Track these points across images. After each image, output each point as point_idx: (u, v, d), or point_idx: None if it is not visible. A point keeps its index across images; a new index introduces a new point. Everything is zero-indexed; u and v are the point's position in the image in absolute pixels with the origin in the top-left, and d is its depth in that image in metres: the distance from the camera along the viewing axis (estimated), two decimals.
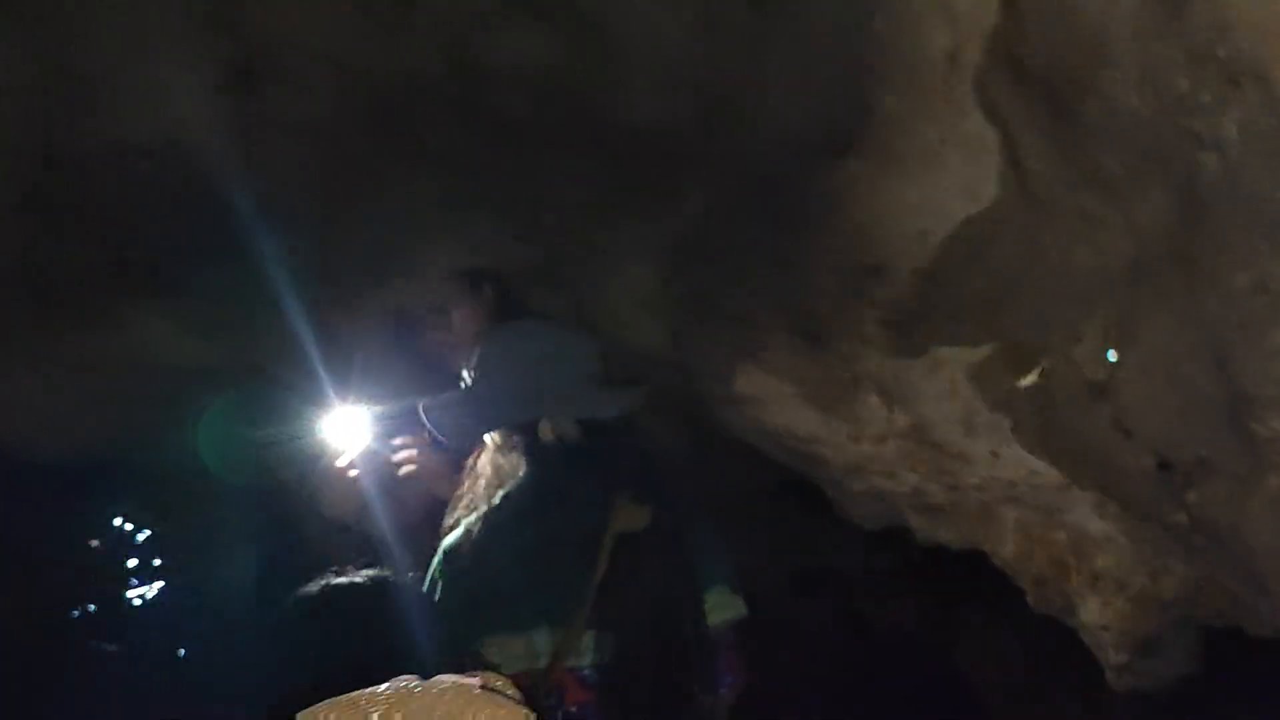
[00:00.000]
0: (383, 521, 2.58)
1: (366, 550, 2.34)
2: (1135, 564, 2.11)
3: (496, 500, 2.07)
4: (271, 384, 3.17)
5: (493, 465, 2.16)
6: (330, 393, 2.68)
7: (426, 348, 2.93)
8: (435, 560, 2.06)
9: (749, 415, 2.72)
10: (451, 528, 2.17)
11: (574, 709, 1.94)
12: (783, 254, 2.63)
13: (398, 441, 2.67)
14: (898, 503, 2.67)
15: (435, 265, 2.90)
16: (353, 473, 2.64)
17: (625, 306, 3.06)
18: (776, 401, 2.61)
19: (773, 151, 2.76)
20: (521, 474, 2.10)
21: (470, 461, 2.30)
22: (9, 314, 3.28)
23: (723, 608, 2.06)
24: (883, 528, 2.95)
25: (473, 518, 2.07)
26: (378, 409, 2.67)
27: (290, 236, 3.16)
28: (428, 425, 2.23)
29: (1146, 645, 2.27)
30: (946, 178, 2.28)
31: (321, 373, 2.71)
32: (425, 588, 2.04)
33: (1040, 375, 2.07)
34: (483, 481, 2.18)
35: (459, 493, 2.39)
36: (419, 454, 2.63)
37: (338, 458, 2.65)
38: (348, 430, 2.63)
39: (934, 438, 2.41)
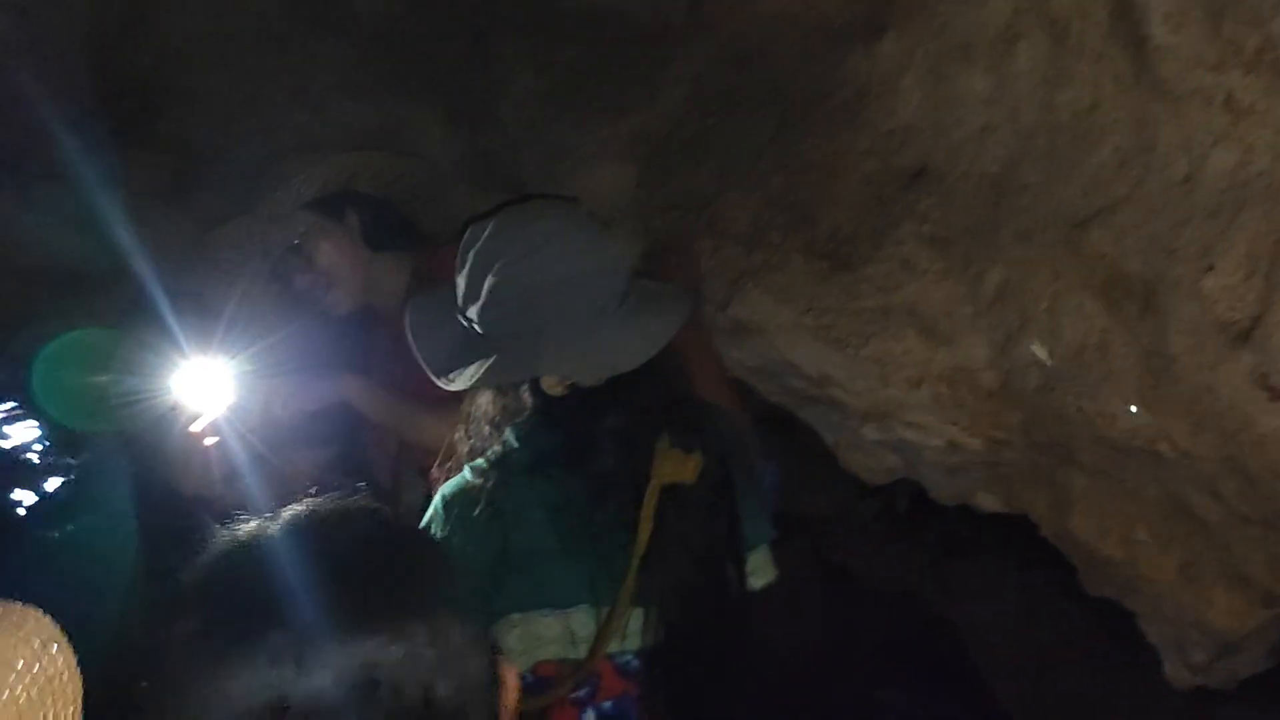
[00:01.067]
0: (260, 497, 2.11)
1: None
2: (1259, 557, 1.71)
3: (512, 441, 1.61)
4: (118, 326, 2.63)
5: (496, 403, 1.66)
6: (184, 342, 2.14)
7: (299, 296, 2.41)
8: (432, 510, 1.62)
9: (747, 347, 2.25)
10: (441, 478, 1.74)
11: (608, 704, 1.60)
12: (797, 156, 2.16)
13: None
14: (921, 457, 2.23)
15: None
16: (210, 440, 2.15)
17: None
18: (785, 333, 2.15)
19: (774, 32, 2.28)
20: (533, 412, 1.62)
21: (467, 404, 1.77)
22: None
23: (762, 571, 1.72)
24: (889, 482, 2.52)
25: (480, 462, 1.62)
26: (245, 362, 2.16)
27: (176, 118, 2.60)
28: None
29: (1234, 644, 1.89)
30: (1021, 60, 1.81)
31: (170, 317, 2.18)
32: None
33: (1151, 312, 1.62)
34: (487, 425, 1.68)
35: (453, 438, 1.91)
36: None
37: (193, 422, 2.14)
38: (206, 388, 2.12)
39: (986, 384, 1.96)
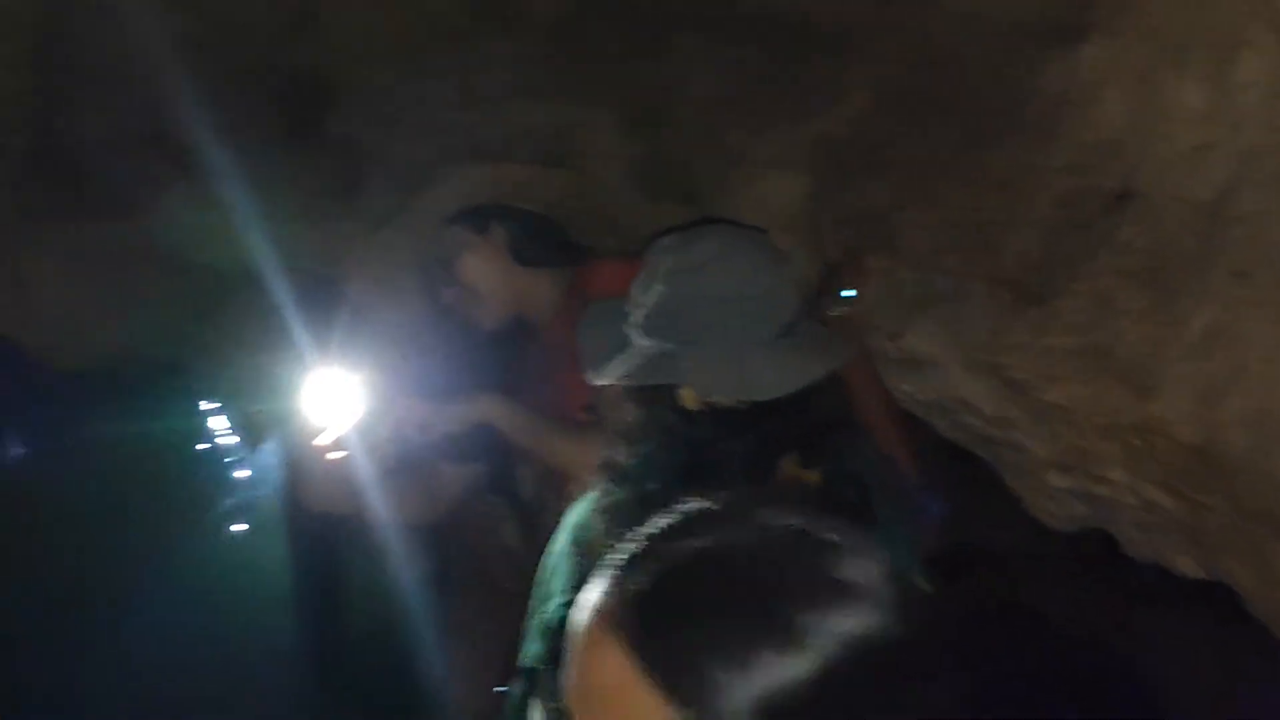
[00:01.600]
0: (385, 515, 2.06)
1: None
2: None
3: (634, 463, 1.58)
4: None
5: (638, 419, 1.63)
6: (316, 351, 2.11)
7: (447, 310, 2.36)
8: (562, 538, 1.61)
9: (919, 381, 2.06)
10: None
11: None
12: (984, 171, 1.95)
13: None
14: (1112, 511, 2.00)
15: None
16: (336, 455, 2.10)
17: (768, 227, 2.41)
18: (961, 370, 1.95)
19: (965, 34, 2.07)
20: (660, 429, 1.59)
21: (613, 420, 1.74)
22: (25, 197, 2.77)
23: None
24: (1076, 530, 2.28)
25: (616, 474, 1.59)
26: (383, 377, 2.11)
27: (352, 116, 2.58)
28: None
29: None
30: (1245, 69, 1.57)
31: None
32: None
33: None
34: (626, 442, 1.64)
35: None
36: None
37: (317, 435, 2.10)
38: (332, 401, 2.07)
39: (1188, 439, 1.72)
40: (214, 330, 3.86)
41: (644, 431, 1.61)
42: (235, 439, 3.36)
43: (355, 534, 2.29)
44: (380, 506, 2.13)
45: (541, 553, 1.68)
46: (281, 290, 2.60)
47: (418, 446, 2.20)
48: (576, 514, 1.61)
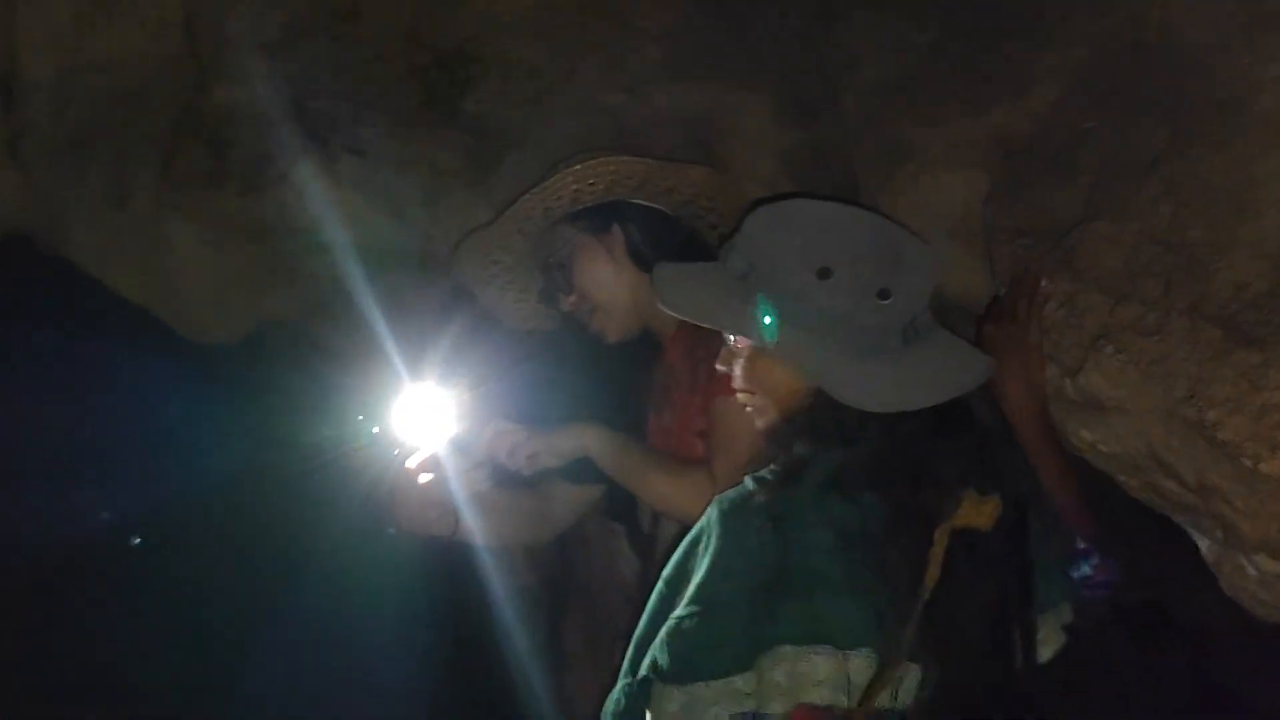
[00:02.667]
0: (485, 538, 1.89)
1: None
2: None
3: (803, 452, 1.48)
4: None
5: (780, 409, 1.55)
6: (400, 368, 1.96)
7: (566, 319, 2.17)
8: (705, 521, 1.48)
9: (1102, 428, 1.75)
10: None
11: None
12: (1196, 180, 1.63)
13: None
14: None
15: None
16: (425, 479, 1.95)
17: (933, 231, 2.13)
18: (1156, 421, 1.63)
19: (1185, 15, 1.74)
20: (833, 425, 1.49)
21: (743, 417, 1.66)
22: (168, 167, 2.72)
23: (1052, 639, 1.55)
24: None
25: (764, 473, 1.48)
26: (470, 389, 1.94)
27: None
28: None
29: None
30: None
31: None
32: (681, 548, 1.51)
33: None
34: (771, 440, 1.57)
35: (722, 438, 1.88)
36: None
37: (409, 456, 1.95)
38: (427, 417, 1.92)
39: None
40: (349, 307, 3.80)
41: (796, 430, 1.52)
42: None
43: (452, 556, 2.13)
44: (478, 529, 1.98)
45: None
46: (405, 274, 2.48)
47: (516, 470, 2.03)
48: (727, 501, 1.46)
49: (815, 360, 1.49)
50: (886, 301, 1.50)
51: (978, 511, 1.45)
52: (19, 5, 2.65)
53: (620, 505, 2.21)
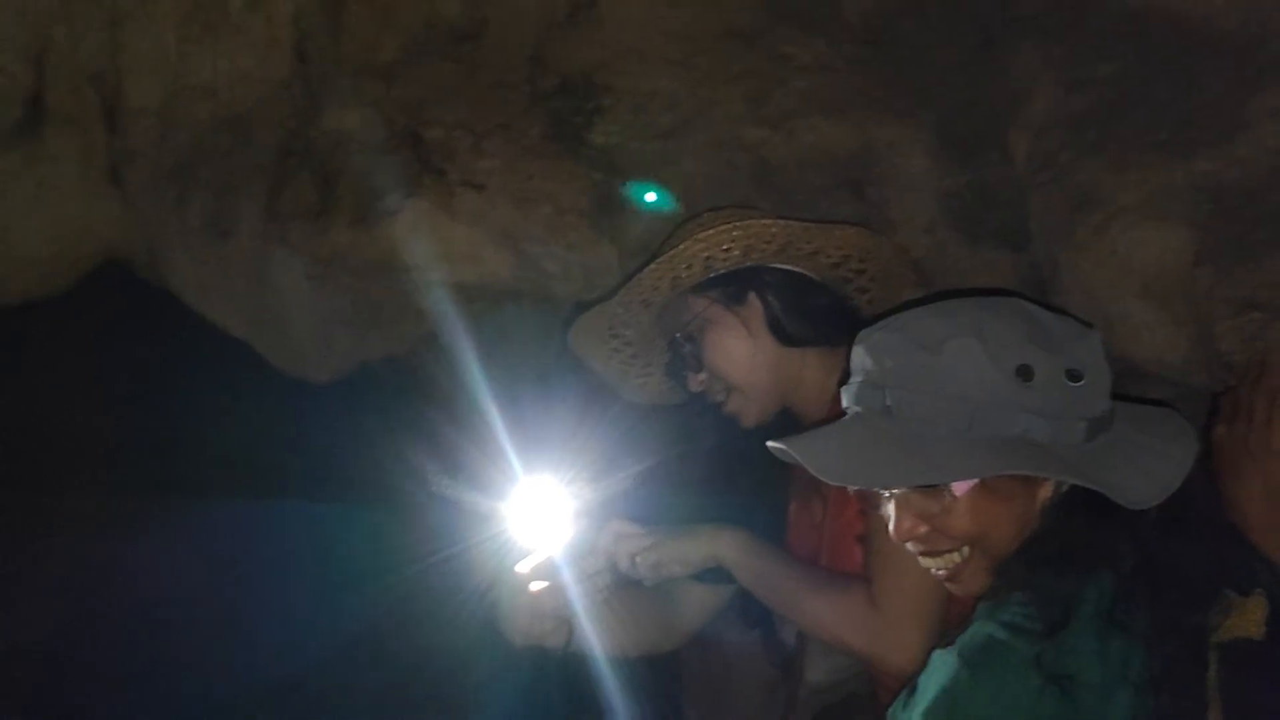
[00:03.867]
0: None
1: None
2: None
3: (1058, 585, 1.24)
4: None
5: (1000, 552, 1.31)
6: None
7: (698, 402, 1.96)
8: (948, 674, 1.21)
9: None
10: None
11: None
12: None
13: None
14: None
15: None
16: (537, 586, 1.72)
17: (1121, 289, 1.89)
18: None
19: None
20: (1109, 546, 1.27)
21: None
22: (274, 198, 2.56)
23: None
24: None
25: (1014, 614, 1.22)
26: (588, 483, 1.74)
27: None
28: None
29: None
30: None
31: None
32: None
33: None
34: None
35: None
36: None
37: (520, 561, 1.77)
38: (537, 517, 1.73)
39: None
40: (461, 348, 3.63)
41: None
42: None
43: (568, 668, 1.92)
44: (596, 639, 1.78)
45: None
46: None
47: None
48: (974, 649, 1.22)
49: (1069, 468, 1.25)
50: (1080, 384, 1.29)
51: (1245, 617, 1.26)
52: (123, 25, 2.53)
53: (757, 609, 1.97)
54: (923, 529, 1.32)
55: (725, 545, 1.81)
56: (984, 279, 2.14)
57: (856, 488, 1.38)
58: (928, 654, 1.31)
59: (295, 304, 2.69)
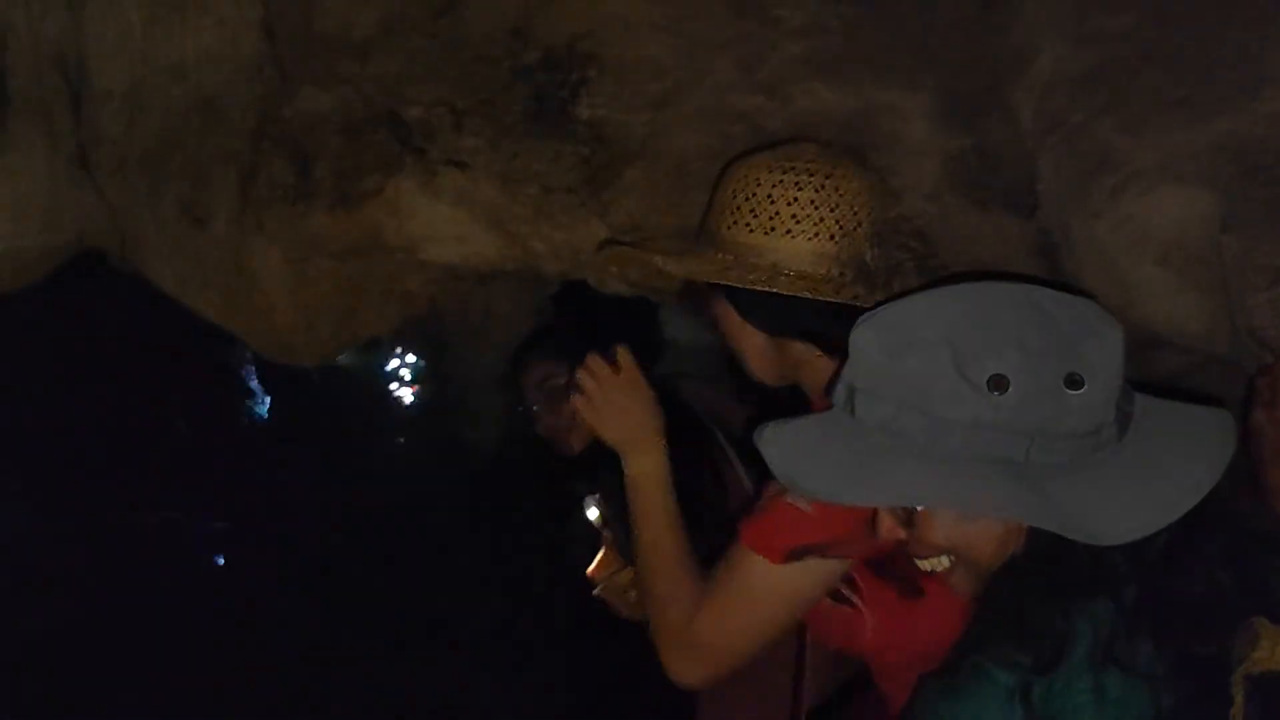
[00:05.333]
0: None
1: None
2: None
3: (1076, 624, 1.10)
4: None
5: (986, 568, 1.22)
6: None
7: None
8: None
9: None
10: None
11: None
12: None
13: None
14: None
15: None
16: None
17: (1139, 256, 1.79)
18: None
19: None
20: (1109, 572, 1.13)
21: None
22: (251, 182, 2.46)
23: None
24: None
25: (1011, 646, 1.12)
26: None
27: None
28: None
29: None
30: None
31: None
32: None
33: None
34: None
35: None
36: None
37: None
38: None
39: None
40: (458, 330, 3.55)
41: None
42: None
43: None
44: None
45: None
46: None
47: None
48: (968, 693, 1.11)
49: (1025, 502, 1.13)
50: (1080, 391, 1.15)
51: (1276, 648, 1.11)
52: (85, 6, 2.42)
53: None
54: (901, 534, 1.26)
55: (647, 454, 1.76)
56: (992, 246, 2.05)
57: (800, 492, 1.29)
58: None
59: (276, 291, 2.60)
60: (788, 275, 1.64)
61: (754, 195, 1.70)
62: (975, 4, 2.10)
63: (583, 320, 2.74)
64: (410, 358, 4.61)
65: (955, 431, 1.14)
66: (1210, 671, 1.10)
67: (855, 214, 1.69)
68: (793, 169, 1.70)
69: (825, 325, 1.62)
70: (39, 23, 2.47)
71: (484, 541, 3.64)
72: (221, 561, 4.66)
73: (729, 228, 1.72)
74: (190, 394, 4.97)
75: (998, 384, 1.13)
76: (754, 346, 1.76)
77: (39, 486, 4.36)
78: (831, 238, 1.67)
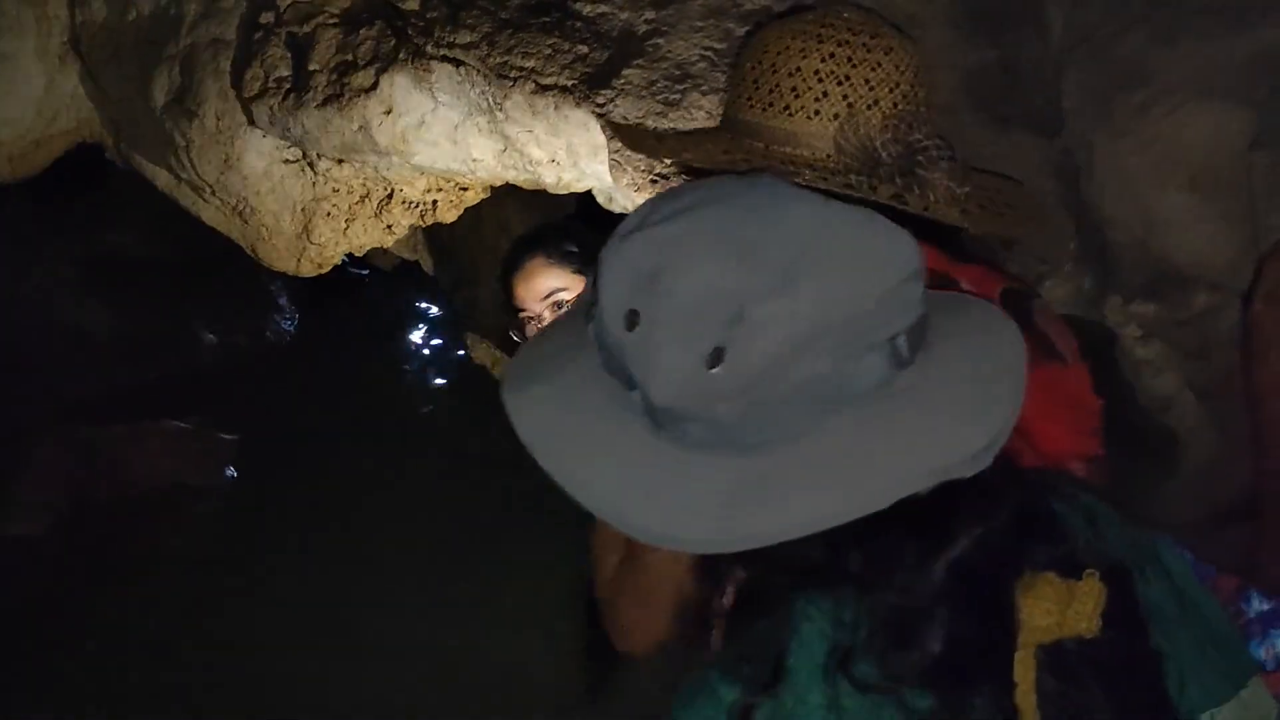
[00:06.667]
0: None
1: None
2: None
3: (795, 625, 0.89)
4: None
5: None
6: None
7: None
8: None
9: None
10: None
11: None
12: None
13: None
14: None
15: None
16: None
17: (1164, 180, 1.66)
18: None
19: None
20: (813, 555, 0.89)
21: None
22: (249, 74, 2.37)
23: None
24: None
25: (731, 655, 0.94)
26: None
27: None
28: None
29: None
30: None
31: None
32: None
33: None
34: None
35: None
36: None
37: None
38: None
39: None
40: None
41: None
42: None
43: None
44: None
45: None
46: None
47: None
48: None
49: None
50: (717, 369, 0.83)
51: (1067, 609, 0.93)
52: None
53: None
54: None
55: None
56: (1011, 167, 1.91)
57: None
58: None
59: (270, 192, 2.51)
60: (780, 160, 1.43)
61: (759, 65, 1.47)
62: None
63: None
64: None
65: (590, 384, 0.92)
66: (979, 660, 0.90)
67: (871, 90, 1.42)
68: (803, 34, 1.45)
69: None
70: None
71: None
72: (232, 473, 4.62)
73: (734, 103, 1.54)
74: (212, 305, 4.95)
75: (630, 319, 0.86)
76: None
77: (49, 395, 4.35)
78: (835, 116, 1.42)
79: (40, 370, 4.21)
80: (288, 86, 2.30)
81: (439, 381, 5.39)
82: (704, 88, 1.95)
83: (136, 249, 4.30)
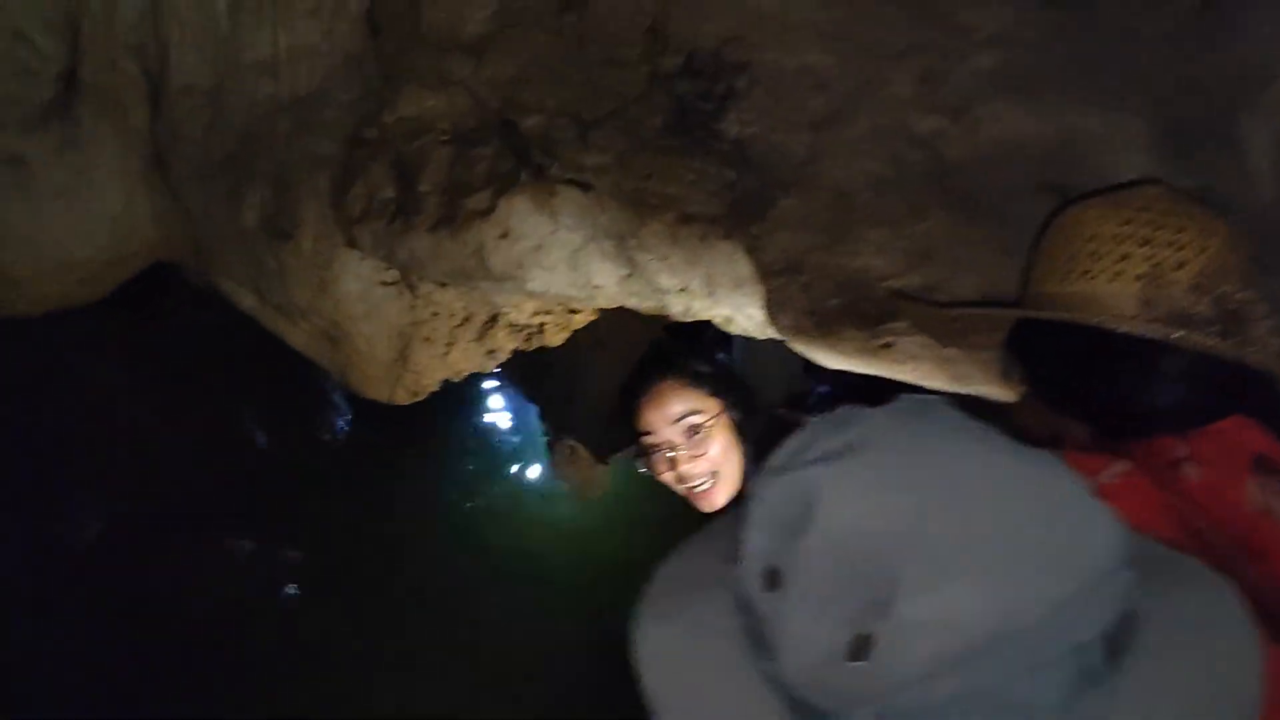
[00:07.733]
0: None
1: None
2: None
3: None
4: None
5: None
6: None
7: None
8: None
9: None
10: None
11: None
12: None
13: None
14: None
15: None
16: None
17: None
18: None
19: None
20: None
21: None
22: (351, 195, 2.20)
23: None
24: None
25: None
26: None
27: None
28: None
29: None
30: None
31: None
32: None
33: None
34: None
35: None
36: None
37: None
38: None
39: None
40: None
41: None
42: None
43: None
44: None
45: None
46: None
47: None
48: None
49: None
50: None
51: None
52: None
53: None
54: None
55: None
56: None
57: None
58: None
59: (366, 317, 2.33)
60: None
61: (1053, 240, 1.39)
62: (1190, 9, 1.78)
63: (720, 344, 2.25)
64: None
65: None
66: None
67: (1178, 252, 1.31)
68: (1099, 202, 1.38)
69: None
70: (116, 6, 2.22)
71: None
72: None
73: (1030, 284, 1.42)
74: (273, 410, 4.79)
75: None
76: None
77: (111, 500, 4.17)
78: (1137, 278, 1.31)
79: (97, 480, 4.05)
80: (394, 208, 2.13)
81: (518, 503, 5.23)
82: (871, 219, 1.76)
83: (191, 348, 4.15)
